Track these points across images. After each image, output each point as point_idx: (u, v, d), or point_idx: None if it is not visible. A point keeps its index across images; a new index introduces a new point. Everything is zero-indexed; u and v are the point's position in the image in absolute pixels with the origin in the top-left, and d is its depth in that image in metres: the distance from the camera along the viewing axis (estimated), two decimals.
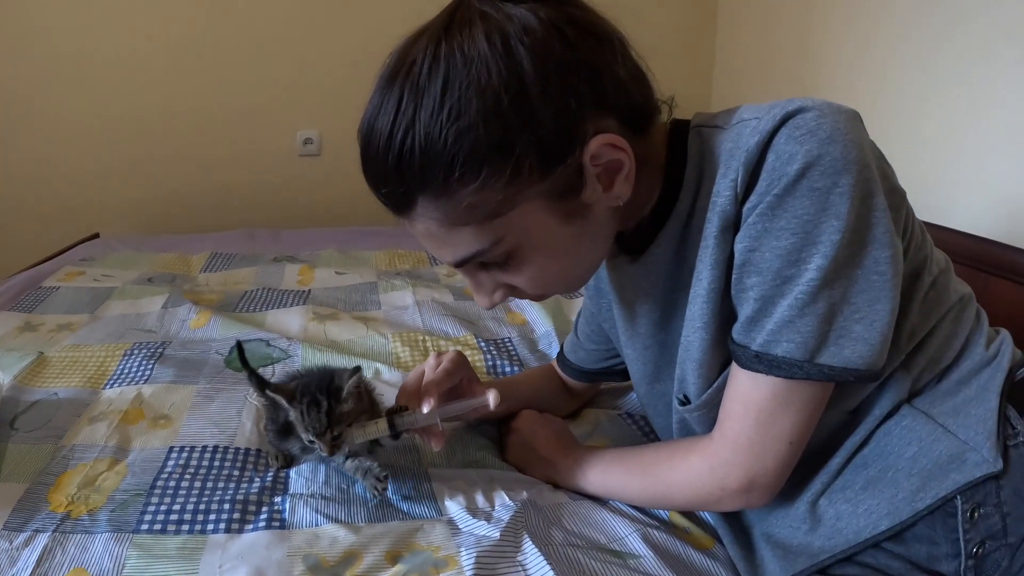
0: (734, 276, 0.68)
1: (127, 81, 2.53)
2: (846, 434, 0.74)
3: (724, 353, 0.73)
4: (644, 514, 0.87)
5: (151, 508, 0.90)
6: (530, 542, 0.78)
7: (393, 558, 0.80)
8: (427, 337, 1.44)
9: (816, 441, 0.73)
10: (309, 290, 1.74)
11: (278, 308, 1.59)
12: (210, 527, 0.86)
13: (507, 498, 0.87)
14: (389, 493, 0.90)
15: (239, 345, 1.03)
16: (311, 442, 0.86)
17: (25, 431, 1.09)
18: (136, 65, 2.52)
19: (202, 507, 0.89)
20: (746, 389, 0.70)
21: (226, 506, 0.89)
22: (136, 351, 1.34)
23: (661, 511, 0.87)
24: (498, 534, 0.80)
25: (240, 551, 0.81)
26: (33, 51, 2.46)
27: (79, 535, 0.86)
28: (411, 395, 0.87)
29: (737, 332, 0.70)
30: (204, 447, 1.03)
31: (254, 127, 2.67)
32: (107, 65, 2.51)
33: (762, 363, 0.67)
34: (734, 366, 0.71)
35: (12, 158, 2.53)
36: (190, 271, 1.91)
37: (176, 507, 0.90)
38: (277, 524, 0.86)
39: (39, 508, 0.92)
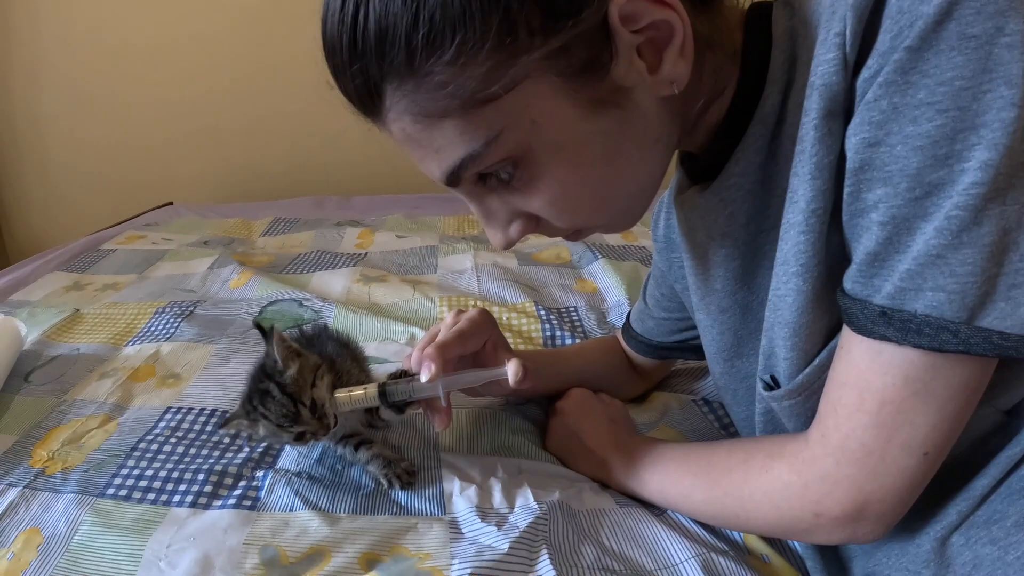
0: (847, 190, 0.46)
1: (198, 56, 2.52)
2: (999, 444, 0.51)
3: (830, 314, 0.51)
4: (711, 533, 0.67)
5: (124, 471, 0.80)
6: (547, 560, 0.60)
7: (368, 562, 0.65)
8: (480, 302, 1.29)
9: (954, 452, 0.50)
10: (365, 253, 1.62)
11: (326, 270, 1.48)
12: (176, 499, 0.74)
13: (532, 498, 0.69)
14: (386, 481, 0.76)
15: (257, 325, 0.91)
16: (301, 435, 0.71)
17: (37, 384, 1.03)
18: (207, 40, 2.51)
19: (175, 475, 0.78)
20: (863, 368, 0.48)
21: (200, 476, 0.77)
22: (168, 309, 1.26)
23: (734, 532, 0.68)
24: (507, 545, 0.62)
25: (195, 531, 0.69)
26: (107, 36, 2.49)
27: (47, 493, 0.78)
28: (417, 359, 0.70)
29: (852, 279, 0.47)
30: (202, 410, 0.92)
31: (326, 95, 2.59)
32: (179, 44, 2.51)
33: (892, 326, 0.44)
34: (844, 334, 0.50)
35: (90, 136, 2.60)
36: (250, 235, 1.85)
37: (148, 472, 0.79)
38: (248, 504, 0.73)
39: (20, 462, 0.84)
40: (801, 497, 0.53)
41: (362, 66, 0.49)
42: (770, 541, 0.66)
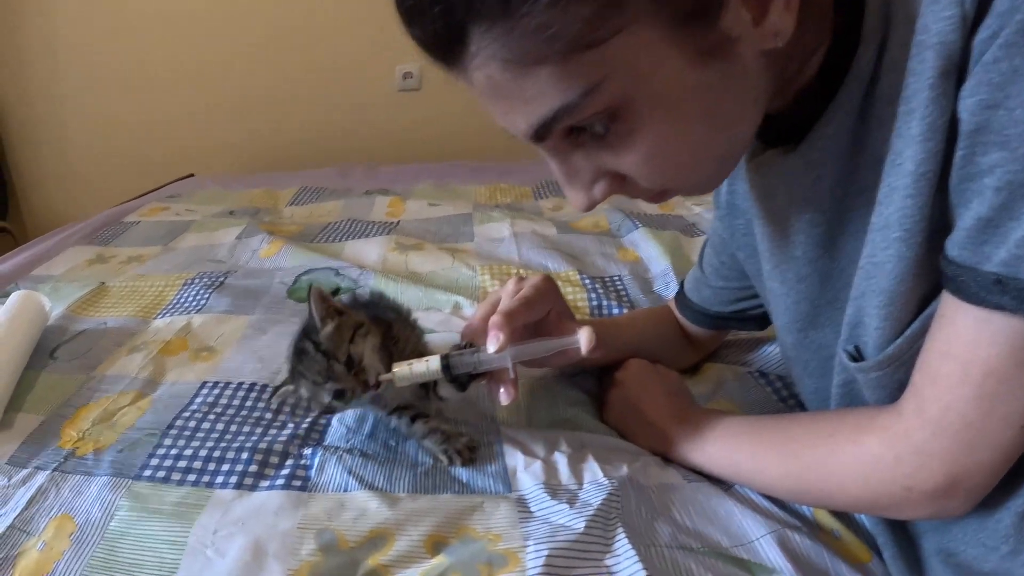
0: (959, 153, 0.43)
1: (217, 25, 2.46)
2: None
3: (927, 282, 0.49)
4: (782, 508, 0.64)
5: (161, 451, 0.73)
6: (625, 539, 0.56)
7: (434, 545, 0.59)
8: (522, 271, 1.23)
9: None
10: (397, 222, 1.56)
11: (359, 239, 1.41)
12: (219, 480, 0.68)
13: (600, 473, 0.65)
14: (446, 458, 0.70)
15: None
16: (340, 392, 0.66)
17: (63, 360, 0.97)
18: (226, 8, 2.44)
19: (216, 454, 0.71)
20: (968, 338, 0.45)
21: (244, 455, 0.70)
22: (197, 280, 1.20)
23: (804, 506, 0.65)
24: (582, 524, 0.58)
25: (243, 514, 0.63)
26: (124, 6, 2.43)
27: (78, 476, 0.72)
28: (477, 329, 0.66)
29: (958, 245, 0.45)
30: (240, 384, 0.86)
31: (351, 62, 2.53)
32: (197, 13, 2.44)
33: (1007, 294, 0.42)
34: (946, 302, 0.47)
35: (107, 110, 2.56)
36: (276, 205, 1.78)
37: (188, 452, 0.72)
38: (298, 484, 0.67)
39: (48, 443, 0.78)
40: (892, 471, 0.52)
41: (446, 7, 0.43)
42: (840, 516, 0.64)
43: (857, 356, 0.55)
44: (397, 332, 0.70)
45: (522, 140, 0.48)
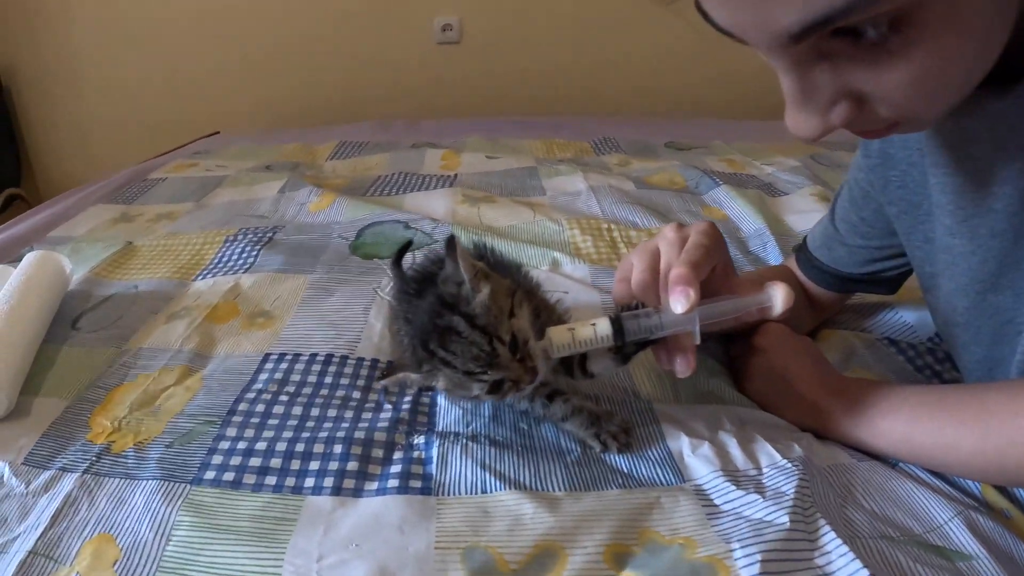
0: None
1: None
2: None
3: None
4: (952, 487, 0.56)
5: (224, 444, 0.56)
6: (831, 533, 0.47)
7: (616, 558, 0.45)
8: (612, 226, 1.07)
9: None
10: (455, 174, 1.40)
11: (419, 191, 1.25)
12: (309, 483, 0.51)
13: (777, 455, 0.55)
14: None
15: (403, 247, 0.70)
16: (498, 384, 0.50)
17: (88, 331, 0.80)
18: None
19: (300, 448, 0.54)
20: None
21: (337, 448, 0.53)
22: (241, 236, 1.03)
23: (970, 481, 0.57)
24: (786, 518, 0.48)
25: (354, 532, 0.45)
26: None
27: (117, 480, 0.55)
28: (646, 286, 0.55)
29: None
30: (313, 355, 0.68)
31: (387, 14, 2.33)
32: None
33: None
34: None
35: (124, 69, 2.38)
36: (315, 159, 1.61)
37: (261, 446, 0.55)
38: (418, 485, 0.50)
39: (75, 435, 0.61)
40: None
41: None
42: (1008, 495, 0.57)
43: None
44: (538, 298, 0.53)
45: (757, 42, 0.39)
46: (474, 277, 0.49)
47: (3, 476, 0.57)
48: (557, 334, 0.49)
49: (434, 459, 0.52)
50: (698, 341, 0.52)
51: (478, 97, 2.35)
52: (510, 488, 0.49)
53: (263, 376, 0.65)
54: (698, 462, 0.54)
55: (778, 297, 0.53)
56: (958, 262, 0.59)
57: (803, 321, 0.81)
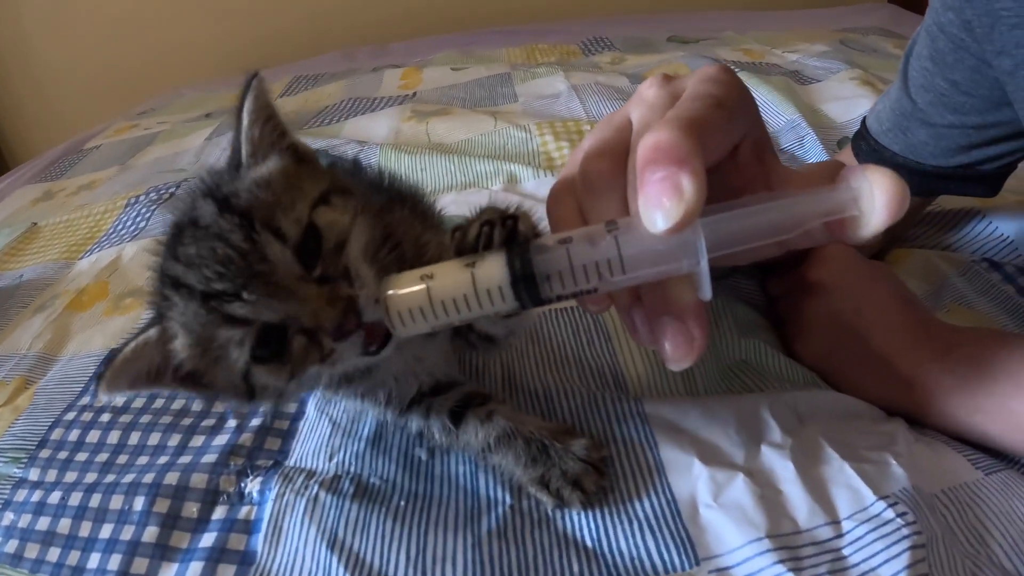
0: None
1: None
2: None
3: None
4: None
5: (21, 494, 0.42)
6: None
7: None
8: (594, 126, 0.84)
9: None
10: (414, 93, 1.21)
11: (364, 115, 1.07)
12: (92, 563, 0.35)
13: (865, 489, 0.32)
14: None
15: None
16: (276, 343, 0.28)
17: None
18: None
19: (94, 502, 0.38)
20: None
21: (139, 503, 0.37)
22: (143, 198, 0.86)
23: None
24: None
25: None
26: None
27: None
28: (599, 179, 0.30)
29: None
30: None
31: None
32: None
33: None
34: None
35: (79, 29, 2.19)
36: None
37: (55, 496, 0.39)
38: (230, 573, 0.32)
39: None
40: None
41: None
42: None
43: None
44: (398, 229, 0.32)
45: None
46: (263, 141, 0.30)
47: None
48: (401, 286, 0.27)
49: (264, 523, 0.35)
50: (707, 296, 0.27)
51: (456, 9, 2.12)
52: None
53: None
54: (725, 520, 0.32)
55: (876, 196, 0.27)
56: None
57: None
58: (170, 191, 0.85)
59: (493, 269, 0.27)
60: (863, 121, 0.59)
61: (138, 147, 1.22)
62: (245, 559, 0.33)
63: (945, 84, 0.52)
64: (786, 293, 0.49)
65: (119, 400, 0.42)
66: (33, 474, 0.42)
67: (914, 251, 0.59)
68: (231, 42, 2.26)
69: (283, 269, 0.27)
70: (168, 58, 2.27)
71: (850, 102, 0.86)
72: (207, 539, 0.35)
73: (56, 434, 0.45)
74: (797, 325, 0.47)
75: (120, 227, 0.80)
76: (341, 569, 0.31)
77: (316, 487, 0.35)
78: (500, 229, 0.27)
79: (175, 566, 0.34)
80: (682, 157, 0.25)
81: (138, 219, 0.79)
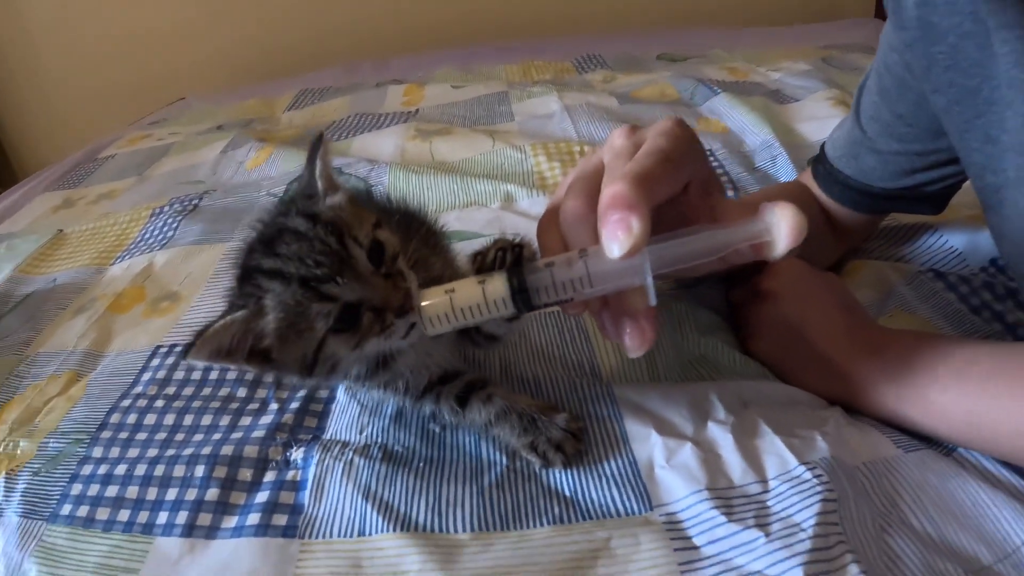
0: None
1: None
2: None
3: None
4: (1020, 475, 0.42)
5: (87, 470, 0.48)
6: None
7: None
8: (586, 148, 0.93)
9: None
10: (416, 110, 1.28)
11: (370, 132, 1.14)
12: (162, 519, 0.42)
13: (791, 458, 0.40)
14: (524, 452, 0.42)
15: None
16: (353, 313, 0.37)
17: (3, 336, 0.72)
18: None
19: (159, 471, 0.45)
20: None
21: (200, 470, 0.44)
22: (167, 208, 0.93)
23: None
24: (799, 572, 0.33)
25: None
26: None
27: None
28: (575, 216, 0.39)
29: None
30: None
31: None
32: None
33: None
34: None
35: (86, 39, 2.25)
36: (273, 113, 1.50)
37: (121, 468, 0.46)
38: (282, 521, 0.40)
39: None
40: None
41: None
42: None
43: None
44: (412, 251, 0.41)
45: None
46: (330, 183, 0.39)
47: None
48: (430, 299, 0.36)
49: (309, 482, 0.42)
50: (653, 302, 0.36)
51: (454, 24, 2.19)
52: (395, 528, 0.38)
53: (146, 376, 0.56)
54: (674, 476, 0.40)
55: (781, 227, 0.35)
56: None
57: (824, 251, 0.66)
58: (193, 203, 0.91)
59: (498, 285, 0.36)
60: (822, 146, 0.66)
61: (153, 158, 1.28)
62: (294, 510, 0.41)
63: (891, 116, 0.58)
64: (744, 300, 0.57)
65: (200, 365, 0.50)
66: (96, 452, 0.49)
67: (868, 262, 0.66)
68: (238, 56, 2.32)
69: (362, 265, 0.36)
70: (175, 71, 2.32)
71: (824, 122, 0.94)
72: (261, 496, 0.42)
73: (114, 418, 0.51)
74: (752, 327, 0.54)
75: (148, 236, 0.86)
76: (375, 514, 0.39)
77: (351, 453, 0.43)
78: (510, 254, 0.37)
79: (235, 518, 0.41)
80: (632, 204, 0.34)
81: (165, 229, 0.86)
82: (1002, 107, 0.45)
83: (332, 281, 0.35)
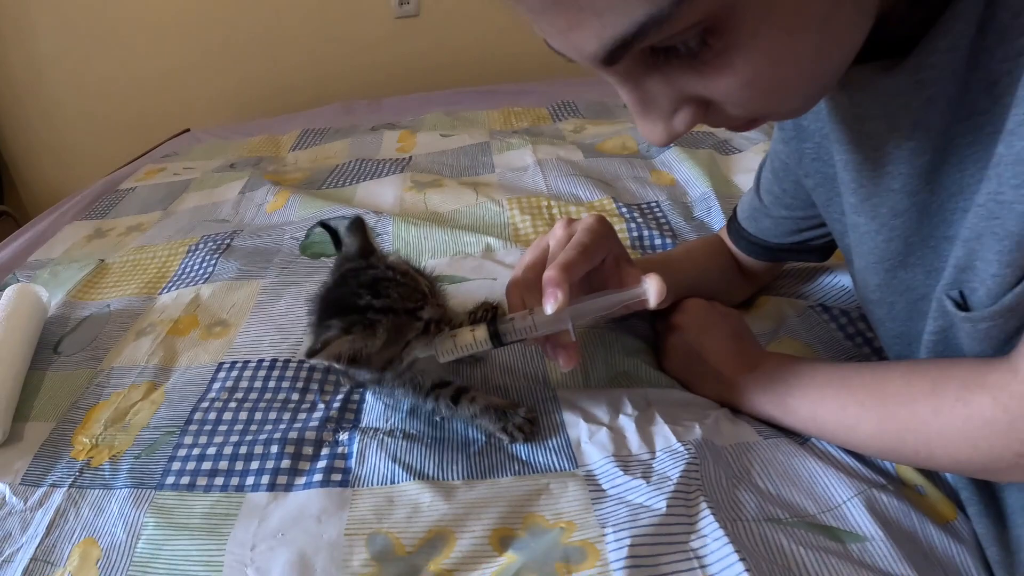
0: None
1: None
2: None
3: None
4: (863, 464, 0.58)
5: (182, 452, 0.65)
6: (711, 516, 0.50)
7: (501, 540, 0.51)
8: (552, 202, 1.11)
9: None
10: (410, 157, 1.45)
11: (371, 180, 1.31)
12: (250, 481, 0.59)
13: (673, 438, 0.58)
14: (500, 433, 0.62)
15: (323, 226, 0.74)
16: (426, 327, 0.58)
17: (68, 354, 0.89)
18: None
19: (243, 450, 0.63)
20: None
21: (274, 448, 0.62)
22: (202, 246, 1.09)
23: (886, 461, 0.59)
24: (664, 504, 0.51)
25: (282, 523, 0.54)
26: None
27: (97, 491, 0.64)
28: (528, 285, 0.58)
29: None
30: (260, 361, 0.76)
31: None
32: None
33: None
34: None
35: (93, 71, 2.40)
36: (279, 151, 1.66)
37: (211, 450, 0.64)
38: (338, 478, 0.58)
39: (61, 454, 0.70)
40: (1006, 435, 0.46)
41: None
42: (924, 472, 0.58)
43: (963, 305, 0.48)
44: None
45: (584, 64, 0.38)
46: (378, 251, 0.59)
47: (4, 496, 0.66)
48: (442, 340, 0.56)
49: (354, 454, 0.60)
50: (573, 339, 0.55)
51: (441, 70, 2.35)
52: (414, 478, 0.57)
53: (216, 385, 0.73)
54: (593, 448, 0.58)
55: (651, 291, 0.54)
56: (865, 240, 0.58)
57: (736, 290, 0.84)
58: (226, 242, 1.08)
59: (481, 332, 0.55)
60: (734, 209, 0.83)
61: (174, 194, 1.43)
62: (345, 471, 0.59)
63: (779, 190, 0.73)
64: (662, 330, 0.74)
65: (322, 364, 0.69)
66: (187, 440, 0.66)
67: (771, 298, 0.82)
68: (243, 93, 2.47)
69: (431, 298, 0.56)
70: (181, 105, 2.45)
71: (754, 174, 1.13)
72: (321, 463, 0.60)
73: (197, 416, 0.69)
74: (665, 350, 0.71)
75: (188, 270, 1.03)
76: (400, 470, 0.58)
77: (381, 435, 0.62)
78: (490, 312, 0.58)
79: (304, 477, 0.59)
80: (559, 283, 0.52)
81: (205, 264, 1.02)
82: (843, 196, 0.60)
83: (423, 308, 0.55)
